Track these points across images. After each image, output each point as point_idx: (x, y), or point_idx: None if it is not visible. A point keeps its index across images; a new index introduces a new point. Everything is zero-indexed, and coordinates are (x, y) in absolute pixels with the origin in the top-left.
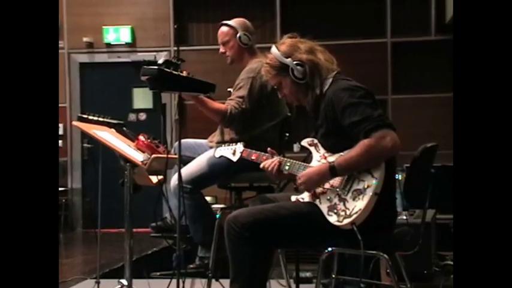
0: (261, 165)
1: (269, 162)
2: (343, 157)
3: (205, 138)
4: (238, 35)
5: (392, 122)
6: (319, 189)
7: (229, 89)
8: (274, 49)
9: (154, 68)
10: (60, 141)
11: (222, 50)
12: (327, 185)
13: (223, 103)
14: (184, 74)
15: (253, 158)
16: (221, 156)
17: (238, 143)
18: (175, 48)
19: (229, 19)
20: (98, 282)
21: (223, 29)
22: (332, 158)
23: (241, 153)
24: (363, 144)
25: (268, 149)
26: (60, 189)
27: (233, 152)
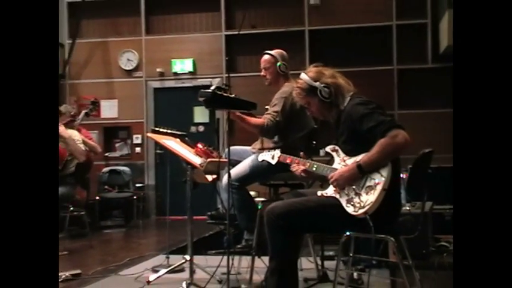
0: (291, 168)
1: (296, 167)
2: (367, 156)
3: (250, 145)
4: (278, 64)
5: (403, 125)
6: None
7: (266, 107)
8: (304, 75)
9: (209, 92)
10: (139, 148)
11: (263, 73)
12: None
13: (260, 117)
14: (232, 95)
15: (288, 161)
16: (263, 160)
17: (277, 150)
18: (226, 75)
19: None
20: (167, 257)
21: (266, 57)
22: (350, 161)
23: (279, 157)
24: (380, 143)
25: (301, 153)
26: (139, 185)
27: (272, 156)
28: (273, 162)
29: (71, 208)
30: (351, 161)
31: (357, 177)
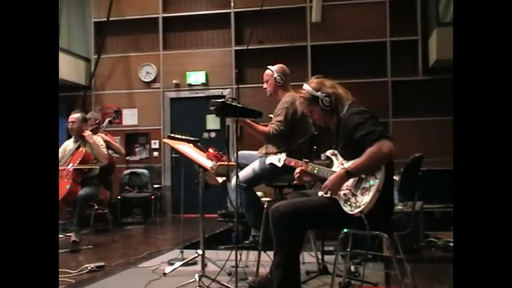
0: (295, 176)
1: (296, 171)
2: (355, 163)
3: (256, 150)
4: (274, 76)
5: (390, 135)
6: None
7: (270, 115)
8: (306, 86)
9: (219, 101)
10: (156, 153)
11: (264, 86)
12: (344, 186)
13: (266, 125)
14: (240, 104)
15: (292, 164)
16: (270, 163)
17: (283, 153)
18: (236, 86)
19: (274, 65)
20: (182, 252)
21: (266, 72)
22: (347, 164)
23: (284, 160)
24: (368, 151)
25: (304, 160)
26: (156, 186)
27: (279, 159)
28: (279, 165)
29: (96, 206)
30: (348, 164)
31: (347, 181)
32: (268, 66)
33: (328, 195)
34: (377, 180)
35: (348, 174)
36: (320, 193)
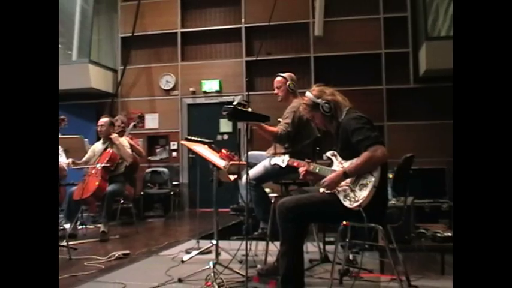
0: (300, 174)
1: (300, 170)
2: (352, 165)
3: (265, 151)
4: (287, 83)
5: (384, 140)
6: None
7: (279, 119)
8: (308, 93)
9: (231, 107)
10: (175, 153)
11: (276, 92)
12: (343, 182)
13: (275, 126)
14: (249, 110)
15: (295, 164)
16: (275, 164)
17: (286, 155)
18: (247, 93)
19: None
20: (198, 242)
21: (278, 78)
22: (346, 164)
23: (288, 161)
24: (363, 155)
25: (306, 160)
26: (175, 183)
27: (282, 160)
28: (283, 165)
29: (122, 201)
30: (347, 164)
31: (343, 180)
32: (280, 74)
33: (326, 190)
34: (373, 178)
35: (344, 174)
36: (321, 190)
